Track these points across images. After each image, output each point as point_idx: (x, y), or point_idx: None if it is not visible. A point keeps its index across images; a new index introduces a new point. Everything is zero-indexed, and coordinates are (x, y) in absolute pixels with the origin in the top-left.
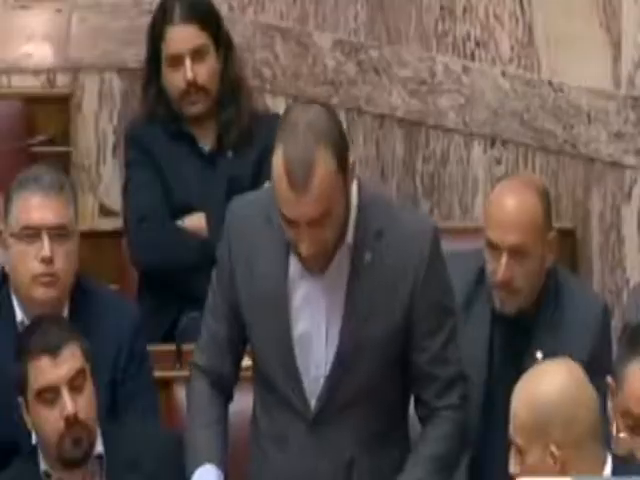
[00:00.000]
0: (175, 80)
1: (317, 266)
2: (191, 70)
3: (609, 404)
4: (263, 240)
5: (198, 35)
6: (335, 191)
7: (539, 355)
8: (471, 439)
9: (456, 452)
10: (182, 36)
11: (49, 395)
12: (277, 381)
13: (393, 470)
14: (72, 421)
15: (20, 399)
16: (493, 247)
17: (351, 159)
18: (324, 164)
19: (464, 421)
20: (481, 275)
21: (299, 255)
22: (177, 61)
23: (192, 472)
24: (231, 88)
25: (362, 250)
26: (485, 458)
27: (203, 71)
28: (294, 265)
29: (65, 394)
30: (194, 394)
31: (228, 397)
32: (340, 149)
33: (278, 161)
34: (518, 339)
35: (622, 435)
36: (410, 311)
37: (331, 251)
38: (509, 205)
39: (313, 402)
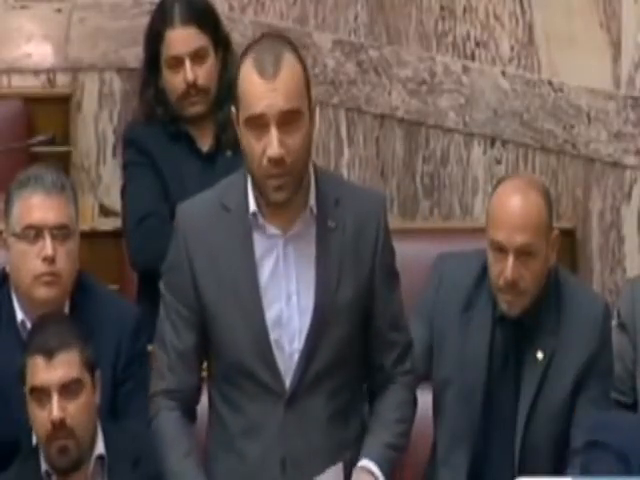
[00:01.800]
0: (175, 82)
1: (283, 190)
2: (191, 72)
3: None
4: (222, 228)
5: (198, 37)
6: (302, 93)
7: (540, 355)
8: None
9: (412, 414)
10: (182, 38)
11: (40, 395)
12: (250, 365)
13: (355, 439)
14: (58, 427)
15: (24, 390)
16: (499, 248)
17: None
18: (292, 60)
19: (415, 385)
20: (482, 276)
21: (265, 175)
22: (177, 63)
23: None
24: (228, 88)
25: (325, 217)
26: (485, 459)
27: (203, 73)
28: (259, 243)
29: (54, 399)
30: (166, 426)
31: (194, 418)
32: (304, 68)
33: (246, 63)
34: (519, 340)
35: None
36: (372, 274)
37: (297, 177)
38: (515, 205)
39: (288, 380)
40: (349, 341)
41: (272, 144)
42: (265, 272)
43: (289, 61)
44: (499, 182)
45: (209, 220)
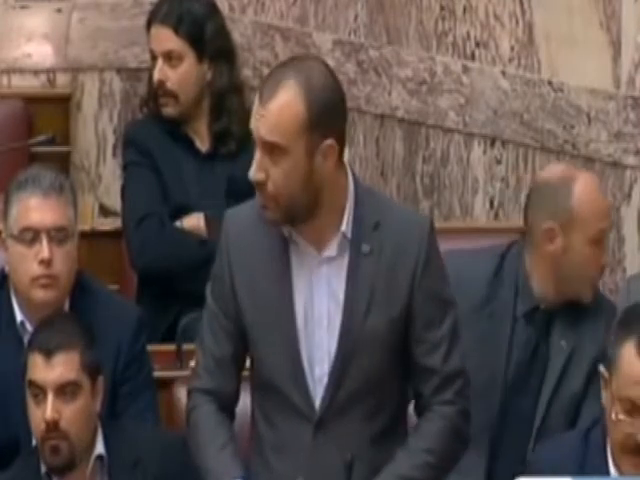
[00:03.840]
0: (153, 78)
1: (266, 212)
2: (160, 71)
3: (603, 394)
4: (262, 243)
5: (172, 39)
6: (291, 131)
7: (563, 344)
8: (468, 439)
9: (448, 449)
10: (157, 36)
11: (37, 391)
12: (281, 384)
13: None
14: (51, 427)
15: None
16: (601, 239)
17: (329, 141)
18: (292, 96)
19: (459, 417)
20: (499, 273)
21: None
22: (154, 59)
23: None
24: (220, 98)
25: (360, 242)
26: (500, 454)
27: (173, 76)
28: (294, 260)
29: (49, 399)
30: (202, 419)
31: (232, 418)
32: (316, 106)
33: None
34: (538, 334)
35: (622, 417)
36: (409, 302)
37: (285, 206)
38: (602, 195)
39: (317, 403)
40: (383, 367)
41: (252, 166)
42: (299, 291)
43: (288, 95)
44: (568, 177)
45: (250, 232)
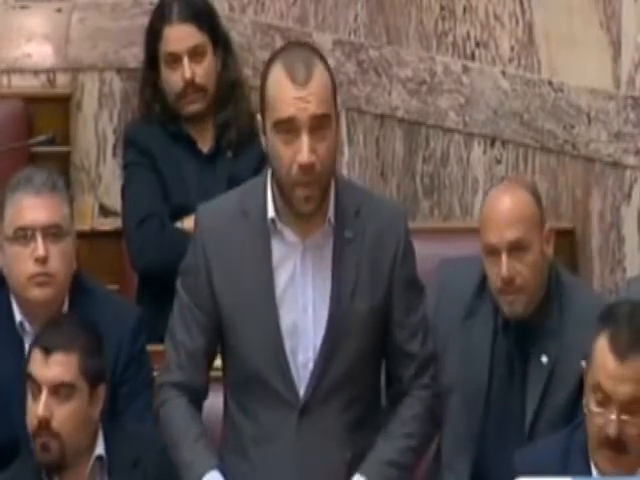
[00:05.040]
0: (173, 80)
1: (311, 201)
2: (189, 69)
3: (585, 388)
4: (240, 234)
5: (196, 34)
6: (331, 100)
7: (544, 360)
8: (440, 422)
9: (426, 432)
10: (180, 35)
11: (33, 387)
12: (264, 374)
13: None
14: (42, 425)
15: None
16: (492, 251)
17: (338, 109)
18: (321, 68)
19: (434, 400)
20: (483, 284)
21: (294, 183)
22: (175, 60)
23: None
24: (229, 89)
25: (343, 228)
26: (489, 464)
27: (201, 71)
28: (276, 249)
29: (43, 396)
30: (174, 412)
31: (200, 412)
32: (332, 76)
33: (275, 69)
34: (521, 346)
35: (594, 409)
36: (390, 288)
37: (324, 187)
38: (501, 205)
39: (302, 390)
40: (365, 353)
41: (302, 150)
42: (281, 280)
43: (319, 68)
44: (495, 185)
45: (228, 225)
